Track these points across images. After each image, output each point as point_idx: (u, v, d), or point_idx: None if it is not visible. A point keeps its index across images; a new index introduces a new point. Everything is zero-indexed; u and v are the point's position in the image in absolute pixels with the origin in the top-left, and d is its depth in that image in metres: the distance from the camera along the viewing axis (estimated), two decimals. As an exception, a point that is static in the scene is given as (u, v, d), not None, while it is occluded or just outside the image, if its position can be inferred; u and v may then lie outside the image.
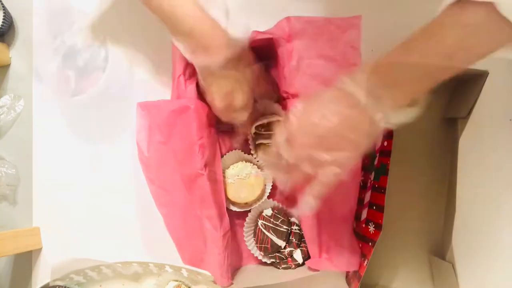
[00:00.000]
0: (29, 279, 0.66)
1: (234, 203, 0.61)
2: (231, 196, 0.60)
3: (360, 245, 0.57)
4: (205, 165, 0.55)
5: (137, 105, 0.55)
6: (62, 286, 0.62)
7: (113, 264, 0.62)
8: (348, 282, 0.61)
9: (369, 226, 0.55)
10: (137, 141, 0.55)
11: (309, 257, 0.58)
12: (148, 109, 0.54)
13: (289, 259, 0.59)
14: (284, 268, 0.60)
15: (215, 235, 0.55)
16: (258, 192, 0.60)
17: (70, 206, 0.66)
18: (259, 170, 0.61)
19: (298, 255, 0.58)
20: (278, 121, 0.59)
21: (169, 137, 0.54)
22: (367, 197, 0.57)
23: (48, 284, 0.61)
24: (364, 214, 0.57)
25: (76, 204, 0.66)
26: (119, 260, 0.62)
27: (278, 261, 0.59)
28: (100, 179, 0.66)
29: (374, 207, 0.54)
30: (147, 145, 0.55)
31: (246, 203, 0.61)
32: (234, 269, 0.61)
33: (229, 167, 0.62)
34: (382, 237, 0.50)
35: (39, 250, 0.66)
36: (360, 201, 0.59)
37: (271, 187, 0.61)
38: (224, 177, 0.61)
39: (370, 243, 0.53)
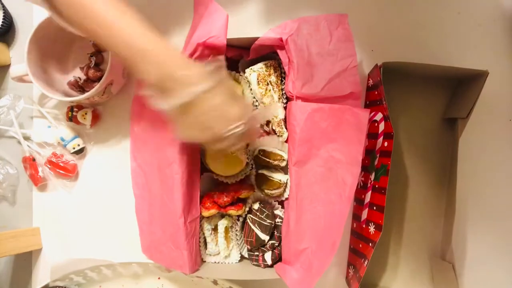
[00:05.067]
0: (29, 279, 0.66)
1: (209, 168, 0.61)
2: (208, 161, 0.59)
3: (360, 245, 0.57)
4: (183, 151, 0.54)
5: None
6: (62, 287, 0.62)
7: (113, 265, 0.62)
8: (348, 282, 0.61)
9: (369, 227, 0.55)
10: (131, 113, 0.55)
11: (279, 260, 0.58)
12: None
13: (260, 258, 0.59)
14: (254, 265, 0.60)
15: (179, 221, 0.54)
16: (230, 172, 0.59)
17: (70, 206, 0.66)
18: (248, 160, 0.60)
19: (268, 257, 0.58)
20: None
21: (157, 117, 0.53)
22: (367, 197, 0.57)
23: (48, 284, 0.61)
24: (364, 215, 0.57)
25: (76, 204, 0.66)
26: (119, 261, 0.62)
27: (252, 257, 0.60)
28: (100, 178, 0.66)
29: (374, 208, 0.54)
30: (139, 120, 0.55)
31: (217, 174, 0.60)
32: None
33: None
34: (382, 238, 0.50)
35: (39, 250, 0.66)
36: (360, 201, 0.59)
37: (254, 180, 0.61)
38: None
39: (370, 244, 0.53)
